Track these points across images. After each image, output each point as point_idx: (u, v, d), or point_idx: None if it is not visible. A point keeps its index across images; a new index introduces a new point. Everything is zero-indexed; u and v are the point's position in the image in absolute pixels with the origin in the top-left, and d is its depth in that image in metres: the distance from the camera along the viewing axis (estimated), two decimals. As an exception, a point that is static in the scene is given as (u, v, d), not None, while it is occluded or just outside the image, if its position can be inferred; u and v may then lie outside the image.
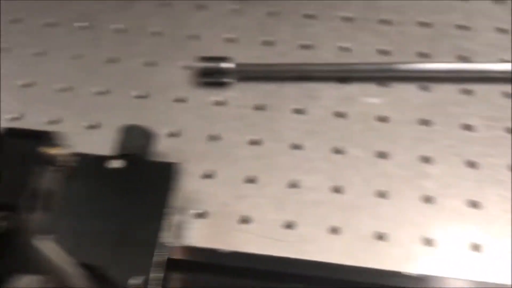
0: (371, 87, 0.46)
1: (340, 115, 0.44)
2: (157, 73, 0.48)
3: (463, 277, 0.35)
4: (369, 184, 0.41)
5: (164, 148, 0.42)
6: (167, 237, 0.34)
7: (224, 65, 0.45)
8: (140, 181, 0.36)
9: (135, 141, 0.39)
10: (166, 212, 0.34)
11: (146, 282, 0.31)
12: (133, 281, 0.31)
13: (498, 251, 0.37)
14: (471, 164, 0.41)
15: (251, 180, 0.41)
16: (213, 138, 0.43)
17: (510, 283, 0.35)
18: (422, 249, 0.37)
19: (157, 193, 0.35)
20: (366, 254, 0.37)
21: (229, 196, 0.40)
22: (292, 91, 0.46)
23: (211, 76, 0.46)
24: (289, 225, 0.39)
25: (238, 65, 0.45)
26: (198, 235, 0.38)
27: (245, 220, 0.39)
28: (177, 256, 0.34)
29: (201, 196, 0.40)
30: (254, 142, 0.43)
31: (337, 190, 0.40)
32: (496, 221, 0.39)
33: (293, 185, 0.40)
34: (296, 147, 0.42)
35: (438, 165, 0.41)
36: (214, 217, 0.39)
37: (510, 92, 0.45)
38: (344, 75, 0.46)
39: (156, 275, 0.32)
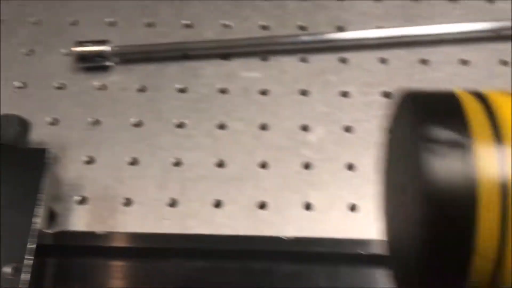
0: (253, 62, 0.47)
1: (222, 91, 0.45)
2: (37, 61, 0.46)
3: (341, 236, 0.37)
4: (252, 156, 0.42)
5: (45, 136, 0.41)
6: (40, 224, 0.33)
7: (102, 48, 0.45)
8: (13, 169, 0.35)
9: (9, 130, 0.38)
10: (40, 199, 0.34)
11: (17, 270, 0.31)
12: (5, 269, 0.31)
13: (373, 209, 0.39)
14: (348, 129, 0.43)
15: (133, 162, 0.41)
16: (94, 123, 0.43)
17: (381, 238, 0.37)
18: (302, 214, 0.39)
19: (31, 180, 0.35)
20: (248, 224, 0.38)
21: (111, 179, 0.40)
22: (174, 71, 0.46)
23: (91, 61, 0.45)
24: (172, 203, 0.39)
25: (116, 47, 0.45)
26: (80, 220, 0.38)
27: (128, 202, 0.39)
28: (54, 241, 0.34)
29: (82, 182, 0.40)
30: (136, 124, 0.43)
31: (220, 164, 0.41)
32: (370, 182, 0.41)
33: (176, 163, 0.41)
34: (179, 125, 0.43)
35: (317, 132, 0.43)
36: (96, 201, 0.39)
37: (385, 57, 0.47)
38: (225, 52, 0.47)
39: (29, 262, 0.31)
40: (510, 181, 0.18)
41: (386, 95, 0.45)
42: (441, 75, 0.45)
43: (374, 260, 0.33)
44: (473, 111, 0.19)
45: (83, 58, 0.45)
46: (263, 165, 0.41)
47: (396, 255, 0.23)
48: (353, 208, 0.39)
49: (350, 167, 0.41)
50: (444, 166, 0.18)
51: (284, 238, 0.34)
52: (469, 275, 0.18)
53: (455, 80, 0.45)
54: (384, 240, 0.25)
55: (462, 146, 0.18)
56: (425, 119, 0.19)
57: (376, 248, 0.33)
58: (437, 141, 0.18)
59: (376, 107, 0.44)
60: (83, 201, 0.39)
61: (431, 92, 0.21)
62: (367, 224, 0.38)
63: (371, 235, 0.37)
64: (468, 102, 0.20)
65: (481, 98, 0.20)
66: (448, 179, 0.18)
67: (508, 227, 0.18)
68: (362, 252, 0.33)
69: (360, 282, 0.33)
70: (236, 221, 0.38)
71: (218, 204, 0.39)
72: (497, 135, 0.19)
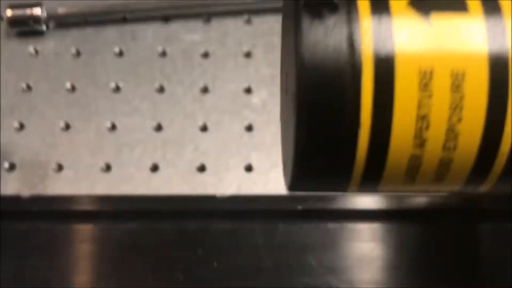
0: (194, 24, 0.45)
1: (162, 54, 0.43)
2: (-33, 28, 0.44)
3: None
4: (192, 120, 0.40)
5: (-26, 105, 0.39)
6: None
7: (35, 11, 0.42)
8: None
9: None
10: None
11: None
12: None
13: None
14: (291, 90, 0.42)
15: (66, 128, 0.39)
16: (26, 89, 0.41)
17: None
18: (243, 175, 0.38)
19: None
20: (186, 187, 0.37)
21: (42, 146, 0.38)
22: (112, 35, 0.44)
23: (24, 25, 0.43)
24: (107, 168, 0.37)
25: (51, 10, 0.43)
26: (8, 187, 0.36)
27: (59, 168, 0.37)
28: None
29: (12, 149, 0.38)
30: (70, 90, 0.41)
31: (158, 128, 0.40)
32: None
33: (112, 128, 0.39)
34: (116, 90, 0.41)
35: (260, 95, 0.42)
36: (25, 168, 0.37)
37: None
38: (166, 14, 0.45)
39: None
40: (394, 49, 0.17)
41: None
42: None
43: (311, 215, 0.32)
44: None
45: (15, 22, 0.42)
46: (204, 128, 0.40)
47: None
48: (295, 169, 0.38)
49: (293, 128, 0.40)
50: (321, 31, 0.16)
51: (218, 196, 0.33)
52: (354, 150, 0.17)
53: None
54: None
55: (344, 9, 0.17)
56: None
57: (312, 203, 0.32)
58: (313, 5, 0.17)
59: (321, 68, 0.43)
60: (12, 167, 0.37)
61: None
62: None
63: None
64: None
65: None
66: (325, 46, 0.16)
67: (387, 98, 0.17)
68: (299, 207, 0.32)
69: (298, 237, 0.32)
70: (173, 185, 0.37)
71: (155, 168, 0.38)
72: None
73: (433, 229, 0.33)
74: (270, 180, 0.37)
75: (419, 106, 0.17)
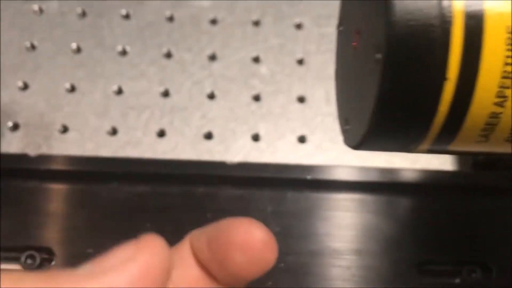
0: (203, -10, 0.44)
1: (170, 19, 0.42)
2: (-32, -17, 0.43)
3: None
4: (199, 87, 0.40)
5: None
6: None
7: (40, -31, 0.41)
8: None
9: None
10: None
11: None
12: None
13: (322, 140, 0.38)
14: (300, 62, 0.41)
15: (71, 89, 0.38)
16: (30, 47, 0.40)
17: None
18: (250, 144, 0.37)
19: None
20: (193, 153, 0.37)
21: (47, 106, 0.37)
22: (118, -3, 0.43)
23: (28, -17, 0.42)
24: (113, 131, 0.37)
25: (55, -31, 0.42)
26: (11, 147, 0.35)
27: (64, 129, 0.36)
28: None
29: (16, 108, 0.37)
30: (75, 50, 0.40)
31: (165, 94, 0.39)
32: (321, 115, 0.39)
33: (118, 91, 0.39)
34: (122, 53, 0.40)
35: (268, 64, 0.41)
36: (30, 128, 0.36)
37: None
38: (174, -22, 0.44)
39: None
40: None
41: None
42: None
43: (320, 185, 0.32)
44: None
45: (18, -21, 0.41)
46: (211, 96, 0.39)
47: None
48: (302, 139, 0.38)
49: (301, 99, 0.40)
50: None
51: (228, 163, 0.33)
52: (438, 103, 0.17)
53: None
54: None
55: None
56: None
57: (322, 174, 0.32)
58: None
59: (330, 40, 0.43)
60: (15, 127, 0.36)
61: None
62: (315, 155, 0.37)
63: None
64: None
65: None
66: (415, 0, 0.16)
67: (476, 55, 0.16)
68: (308, 177, 0.32)
69: (305, 206, 0.32)
70: (180, 151, 0.37)
71: (161, 134, 0.37)
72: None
73: (432, 203, 0.33)
74: (277, 150, 0.37)
75: (505, 63, 0.16)
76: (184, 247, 0.18)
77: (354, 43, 0.20)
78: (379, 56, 0.17)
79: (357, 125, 0.19)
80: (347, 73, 0.22)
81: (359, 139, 0.19)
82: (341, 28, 0.24)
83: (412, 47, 0.16)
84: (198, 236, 0.18)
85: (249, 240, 0.17)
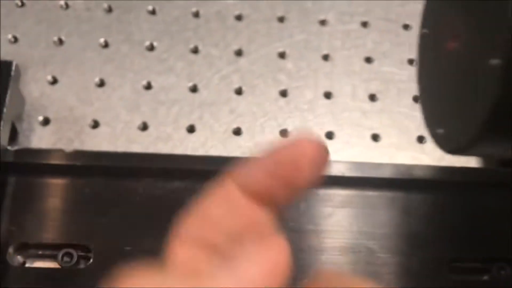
0: (228, -14, 0.44)
1: (196, 14, 0.43)
2: (-7, -23, 0.43)
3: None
4: (227, 82, 0.40)
5: (5, 55, 0.38)
6: (5, 141, 0.31)
7: (66, -36, 0.41)
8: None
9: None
10: (2, 112, 0.31)
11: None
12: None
13: (349, 136, 0.38)
14: (325, 58, 0.42)
15: (101, 84, 0.38)
16: (58, 42, 0.40)
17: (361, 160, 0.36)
18: (278, 140, 0.38)
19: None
20: (222, 149, 0.37)
21: (77, 101, 0.37)
22: (144, -8, 0.43)
23: (54, -22, 0.42)
24: (143, 127, 0.37)
25: (82, -37, 0.42)
26: (43, 141, 0.35)
27: (95, 124, 0.37)
28: (15, 159, 0.31)
29: (46, 102, 0.37)
30: (103, 45, 0.40)
31: (193, 89, 0.39)
32: (346, 110, 0.40)
33: (147, 86, 0.39)
34: (150, 48, 0.40)
35: (294, 60, 0.41)
36: (61, 122, 0.36)
37: (364, -12, 0.46)
38: (199, -26, 0.44)
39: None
40: None
41: (364, 24, 0.43)
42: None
43: (349, 182, 0.33)
44: None
45: (45, -27, 0.41)
46: (239, 92, 0.39)
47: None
48: (330, 135, 0.38)
49: (328, 95, 0.40)
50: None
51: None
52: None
53: None
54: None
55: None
56: None
57: (351, 171, 0.33)
58: None
59: (354, 37, 0.43)
60: (46, 121, 0.36)
61: None
62: (344, 150, 0.37)
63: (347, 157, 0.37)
64: None
65: None
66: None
67: None
68: (344, 174, 0.32)
69: (337, 202, 0.32)
70: (210, 147, 0.37)
71: (191, 129, 0.37)
72: None
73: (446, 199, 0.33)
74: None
75: None
76: (229, 190, 0.18)
77: (450, 46, 0.20)
78: (496, 62, 0.16)
79: (457, 129, 0.19)
80: (439, 76, 0.22)
81: (465, 144, 0.18)
82: (425, 31, 0.23)
83: None
84: (246, 174, 0.18)
85: (316, 154, 0.18)
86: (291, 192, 0.18)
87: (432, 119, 0.22)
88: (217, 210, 0.18)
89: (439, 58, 0.21)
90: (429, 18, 0.23)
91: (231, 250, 0.17)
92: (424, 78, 0.24)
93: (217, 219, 0.18)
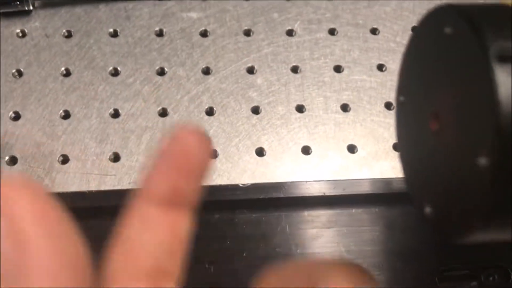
0: (191, 2, 0.43)
1: (159, 34, 0.41)
2: None
3: (297, 179, 0.36)
4: (196, 103, 0.39)
5: (-40, 93, 0.36)
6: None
7: (19, -10, 0.39)
8: None
9: None
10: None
11: None
12: None
13: (325, 149, 0.38)
14: (295, 69, 0.41)
15: (66, 116, 0.37)
16: (17, 74, 0.38)
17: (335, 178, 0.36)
18: (255, 160, 0.37)
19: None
20: (199, 174, 0.36)
21: (43, 135, 0.36)
22: (104, 13, 0.41)
23: (8, 5, 0.40)
24: (115, 157, 0.36)
25: (36, -12, 0.40)
26: (11, 183, 0.34)
27: (65, 159, 0.35)
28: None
29: (10, 140, 0.36)
30: (65, 74, 0.39)
31: (163, 113, 0.38)
32: (320, 123, 0.39)
33: (115, 114, 0.38)
34: (114, 73, 0.39)
35: (263, 74, 0.41)
36: (29, 160, 0.35)
37: (327, -7, 0.45)
38: (159, -9, 0.43)
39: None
40: None
41: (332, 32, 0.43)
42: (388, 9, 0.44)
43: (337, 201, 0.32)
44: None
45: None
46: (210, 112, 0.39)
47: (434, 191, 0.20)
48: (306, 150, 0.38)
49: (300, 109, 0.39)
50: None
51: (241, 185, 0.32)
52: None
53: (400, 16, 0.44)
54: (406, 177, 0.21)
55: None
56: (491, 33, 0.16)
57: (337, 189, 0.32)
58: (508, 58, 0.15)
59: (323, 45, 0.42)
60: (13, 160, 0.35)
61: (478, 5, 0.18)
62: (321, 165, 0.37)
63: (327, 177, 0.37)
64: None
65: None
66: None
67: None
68: (324, 193, 0.32)
69: (322, 223, 0.32)
70: (185, 172, 0.36)
71: (164, 156, 0.36)
72: None
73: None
74: (283, 164, 0.37)
75: None
76: (142, 209, 0.18)
77: (431, 125, 0.19)
78: (483, 161, 0.16)
79: (450, 216, 0.18)
80: (422, 152, 0.20)
81: (461, 236, 0.17)
82: (402, 99, 0.22)
83: None
84: (149, 184, 0.18)
85: (200, 138, 0.18)
86: (195, 182, 0.18)
87: (418, 195, 0.21)
88: (138, 235, 0.18)
89: (419, 133, 0.21)
90: (405, 85, 0.23)
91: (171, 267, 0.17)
92: (403, 147, 0.23)
93: (141, 244, 0.17)
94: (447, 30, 0.18)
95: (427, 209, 0.20)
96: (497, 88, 0.15)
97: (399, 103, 0.22)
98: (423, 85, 0.20)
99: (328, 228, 0.31)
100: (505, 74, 0.15)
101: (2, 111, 0.36)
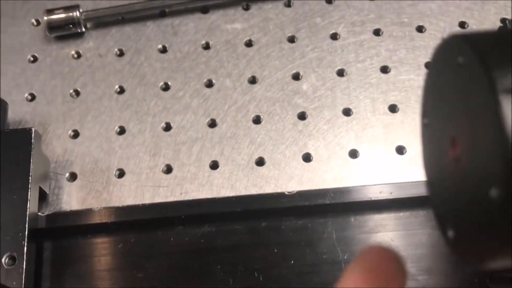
0: (234, 12, 0.44)
1: (205, 47, 0.43)
2: (5, 35, 0.44)
3: (345, 184, 0.36)
4: (244, 112, 0.40)
5: (24, 114, 0.39)
6: (32, 207, 0.32)
7: (73, 14, 0.42)
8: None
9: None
10: (29, 181, 0.32)
11: (13, 258, 0.29)
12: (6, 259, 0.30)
13: (372, 153, 0.38)
14: (341, 73, 0.41)
15: (121, 131, 0.39)
16: (74, 94, 0.40)
17: (382, 182, 0.36)
18: (302, 166, 0.38)
19: (19, 163, 0.33)
20: (248, 182, 0.37)
21: (100, 151, 0.38)
22: (153, 31, 0.43)
23: (63, 29, 0.42)
24: (167, 169, 0.37)
25: (87, 12, 0.42)
26: (73, 198, 0.36)
27: (121, 173, 0.37)
28: (47, 224, 0.32)
29: (70, 157, 0.38)
30: (119, 91, 0.41)
31: (212, 124, 0.39)
32: (368, 125, 0.39)
33: (166, 128, 0.39)
34: (165, 88, 0.41)
35: (309, 80, 0.41)
36: (87, 176, 0.37)
37: (372, -6, 0.45)
38: (204, 4, 0.44)
39: (24, 249, 0.30)
40: None
41: (377, 32, 0.43)
42: (433, 5, 0.43)
43: (384, 205, 0.32)
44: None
45: (54, 26, 0.42)
46: (257, 121, 0.39)
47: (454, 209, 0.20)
48: (354, 154, 0.38)
49: (347, 112, 0.39)
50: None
51: (287, 193, 0.33)
52: None
53: (446, 12, 0.43)
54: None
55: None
56: (499, 66, 0.16)
57: (388, 193, 0.32)
58: None
59: (368, 46, 0.42)
60: (73, 177, 0.37)
61: (488, 33, 0.18)
62: (369, 169, 0.37)
63: (375, 180, 0.37)
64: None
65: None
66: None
67: None
68: (370, 198, 0.32)
69: (369, 228, 0.32)
70: (235, 181, 0.37)
71: (214, 166, 0.38)
72: None
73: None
74: (330, 169, 0.37)
75: None
76: None
77: (452, 153, 0.19)
78: (495, 192, 0.16)
79: (469, 243, 0.18)
80: (443, 175, 0.20)
81: (479, 265, 0.18)
82: (426, 121, 0.22)
83: None
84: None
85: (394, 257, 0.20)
86: None
87: (442, 218, 0.20)
88: None
89: (441, 156, 0.20)
90: (428, 108, 0.22)
91: None
92: (427, 166, 0.22)
93: None
94: (460, 59, 0.18)
95: (450, 233, 0.19)
96: (505, 121, 0.15)
97: (423, 124, 0.22)
98: (442, 111, 0.20)
99: (376, 233, 0.31)
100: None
101: (61, 130, 0.39)
